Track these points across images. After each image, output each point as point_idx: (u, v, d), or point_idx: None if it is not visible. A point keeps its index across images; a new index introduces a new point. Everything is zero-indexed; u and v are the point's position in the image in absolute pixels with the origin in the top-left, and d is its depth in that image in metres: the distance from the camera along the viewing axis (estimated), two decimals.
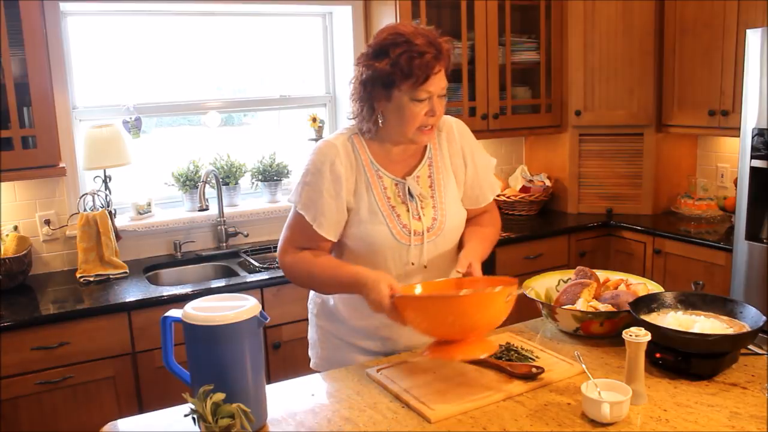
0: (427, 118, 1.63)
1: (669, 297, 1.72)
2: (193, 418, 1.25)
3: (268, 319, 1.37)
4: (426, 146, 1.76)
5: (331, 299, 1.81)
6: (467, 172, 1.80)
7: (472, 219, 1.83)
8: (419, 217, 1.70)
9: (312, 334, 1.92)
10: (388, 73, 1.58)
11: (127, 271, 2.80)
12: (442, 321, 1.45)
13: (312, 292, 1.89)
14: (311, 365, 1.90)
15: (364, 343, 1.79)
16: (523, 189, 3.73)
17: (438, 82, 1.61)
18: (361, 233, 1.67)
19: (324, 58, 3.57)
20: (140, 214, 3.05)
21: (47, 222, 2.86)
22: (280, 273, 2.74)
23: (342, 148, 1.68)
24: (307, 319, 1.94)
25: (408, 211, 1.70)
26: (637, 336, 1.39)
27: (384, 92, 1.61)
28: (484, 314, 1.45)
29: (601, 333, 1.72)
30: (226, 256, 3.12)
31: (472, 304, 1.44)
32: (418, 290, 1.62)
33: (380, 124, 1.66)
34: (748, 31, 2.75)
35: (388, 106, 1.63)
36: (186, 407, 1.31)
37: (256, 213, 3.27)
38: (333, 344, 1.84)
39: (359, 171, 1.68)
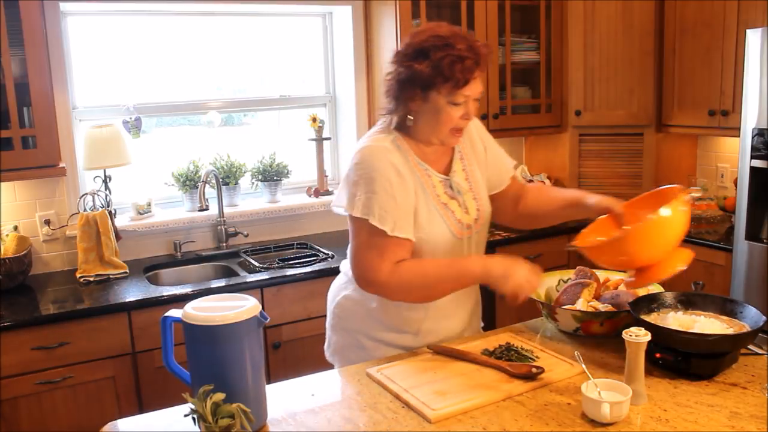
0: (461, 121, 1.64)
1: (669, 297, 1.73)
2: (193, 418, 1.25)
3: (268, 319, 1.37)
4: None
5: (374, 301, 1.75)
6: (487, 156, 1.85)
7: (524, 196, 1.94)
8: (467, 210, 1.73)
9: (337, 340, 1.85)
10: (428, 75, 1.58)
11: (127, 271, 2.80)
12: (638, 251, 1.54)
13: (338, 299, 1.84)
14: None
15: (407, 341, 1.76)
16: None
17: (476, 87, 1.62)
18: (422, 234, 1.66)
19: (324, 58, 3.57)
20: (140, 214, 3.05)
21: (47, 222, 2.86)
22: (280, 273, 2.74)
23: (394, 149, 1.65)
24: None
25: (460, 206, 1.72)
26: (637, 336, 1.39)
27: (421, 93, 1.61)
28: (672, 228, 1.56)
29: (601, 333, 1.72)
30: (226, 256, 3.12)
31: (658, 224, 1.51)
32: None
33: (410, 124, 1.67)
34: (748, 31, 2.74)
35: (423, 106, 1.63)
36: (186, 407, 1.31)
37: (256, 213, 3.27)
38: (371, 346, 1.78)
39: (413, 172, 1.67)
